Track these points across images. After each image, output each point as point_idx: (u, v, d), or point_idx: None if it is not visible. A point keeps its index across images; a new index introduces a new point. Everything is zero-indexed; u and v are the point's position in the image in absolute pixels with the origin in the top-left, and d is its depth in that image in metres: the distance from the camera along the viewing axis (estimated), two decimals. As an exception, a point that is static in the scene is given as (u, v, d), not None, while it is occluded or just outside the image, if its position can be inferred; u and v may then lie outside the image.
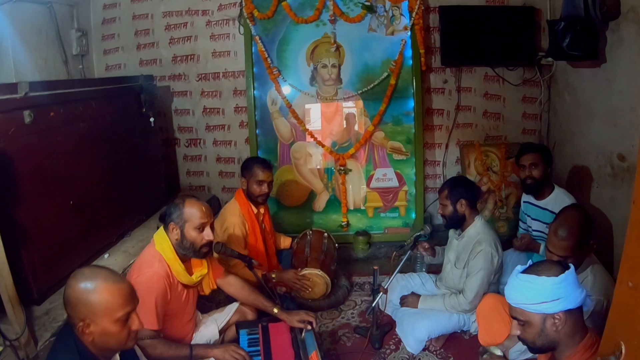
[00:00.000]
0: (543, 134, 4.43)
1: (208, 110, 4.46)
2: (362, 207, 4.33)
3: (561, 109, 4.19)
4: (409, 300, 2.97)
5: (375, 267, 2.77)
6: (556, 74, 4.19)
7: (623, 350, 0.85)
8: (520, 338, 1.67)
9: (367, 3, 4.02)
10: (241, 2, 4.11)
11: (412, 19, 4.00)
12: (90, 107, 3.06)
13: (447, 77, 4.36)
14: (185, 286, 2.33)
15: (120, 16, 4.35)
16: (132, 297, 1.61)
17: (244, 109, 4.39)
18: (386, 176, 4.27)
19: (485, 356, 2.48)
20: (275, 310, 2.49)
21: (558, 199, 3.03)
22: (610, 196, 3.24)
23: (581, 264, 2.19)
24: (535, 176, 3.09)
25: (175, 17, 4.33)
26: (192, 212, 2.26)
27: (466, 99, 4.41)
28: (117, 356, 1.66)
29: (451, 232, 3.09)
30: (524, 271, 1.66)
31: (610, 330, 0.95)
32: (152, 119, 3.85)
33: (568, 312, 1.57)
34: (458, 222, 2.88)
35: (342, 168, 4.21)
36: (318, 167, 4.28)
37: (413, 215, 4.31)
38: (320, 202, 4.34)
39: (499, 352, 2.46)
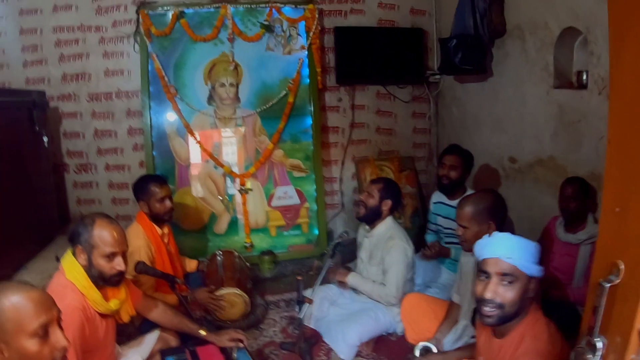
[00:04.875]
0: (433, 146, 5.19)
1: (100, 132, 4.58)
2: (265, 227, 4.72)
3: (449, 122, 4.97)
4: (338, 272, 3.35)
5: (299, 278, 3.00)
6: (443, 90, 4.99)
7: (621, 267, 1.05)
8: (494, 301, 1.80)
9: (265, 22, 4.49)
10: (137, 18, 4.34)
11: (310, 38, 4.58)
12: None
13: (341, 95, 4.97)
14: (102, 316, 2.23)
15: (7, 31, 4.38)
16: (47, 305, 1.51)
17: (138, 130, 4.58)
18: (287, 194, 4.73)
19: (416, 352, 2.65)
20: (203, 332, 2.55)
21: None
22: (505, 196, 4.09)
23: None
24: (452, 177, 3.66)
25: (67, 33, 4.43)
26: (102, 237, 2.17)
27: (360, 116, 5.06)
28: None
29: (361, 232, 3.52)
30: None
31: (601, 256, 1.15)
32: (45, 139, 3.86)
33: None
34: (372, 217, 3.32)
35: (242, 188, 4.60)
36: (217, 188, 4.62)
37: (316, 232, 4.77)
38: (222, 224, 4.65)
39: (422, 347, 2.66)
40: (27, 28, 4.44)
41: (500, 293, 1.80)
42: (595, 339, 1.08)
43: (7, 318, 1.41)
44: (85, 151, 4.67)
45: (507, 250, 1.82)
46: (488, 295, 1.81)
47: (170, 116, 4.54)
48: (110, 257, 2.18)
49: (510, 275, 1.80)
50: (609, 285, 1.07)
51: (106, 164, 4.72)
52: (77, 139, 4.64)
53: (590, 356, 1.08)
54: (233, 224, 4.72)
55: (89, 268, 2.17)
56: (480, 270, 1.89)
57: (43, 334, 1.46)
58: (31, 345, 1.43)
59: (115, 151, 4.72)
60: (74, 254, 2.20)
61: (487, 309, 1.83)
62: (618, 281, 1.07)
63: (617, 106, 1.12)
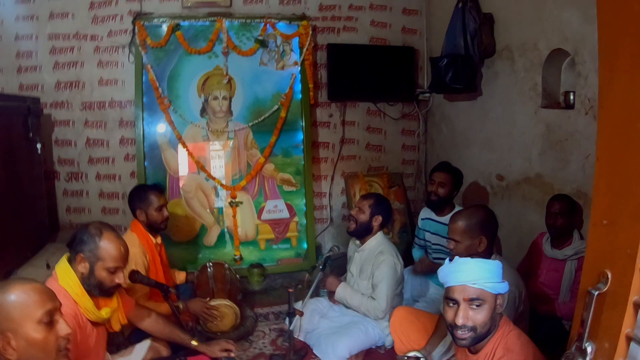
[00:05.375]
0: (421, 163, 5.29)
1: (92, 141, 4.60)
2: (254, 240, 4.76)
3: (438, 139, 5.06)
4: (329, 281, 3.39)
5: (290, 290, 3.01)
6: (433, 108, 5.10)
7: (609, 276, 1.11)
8: (466, 326, 1.85)
9: (260, 37, 4.59)
10: (133, 29, 4.41)
11: (303, 54, 4.67)
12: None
13: (332, 111, 5.07)
14: (94, 324, 2.22)
15: (2, 36, 4.40)
16: (50, 295, 1.60)
17: (130, 141, 4.62)
18: (277, 208, 4.79)
19: None
20: (194, 343, 2.57)
21: None
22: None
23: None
24: (440, 194, 3.73)
25: (62, 41, 4.47)
26: (109, 251, 2.19)
27: (350, 132, 5.15)
28: None
29: (351, 247, 3.57)
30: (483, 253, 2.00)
31: (590, 266, 1.20)
32: (39, 145, 3.88)
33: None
34: (363, 232, 3.37)
35: (233, 200, 4.65)
36: (208, 200, 4.67)
37: (305, 246, 4.82)
38: (212, 237, 4.68)
39: (413, 355, 2.76)
40: (23, 34, 4.47)
41: (471, 317, 1.85)
42: (585, 344, 1.13)
43: (14, 307, 1.50)
44: (76, 159, 4.69)
45: (471, 276, 1.86)
46: (459, 321, 1.85)
47: (163, 127, 4.59)
48: (114, 271, 2.20)
49: (478, 299, 1.85)
50: (597, 293, 1.13)
51: (97, 173, 4.73)
52: (68, 147, 4.66)
53: (579, 361, 1.14)
54: (222, 236, 4.76)
55: (88, 277, 2.17)
56: (448, 297, 1.93)
57: (48, 321, 1.55)
58: (38, 332, 1.51)
59: (107, 160, 4.74)
60: (70, 260, 2.20)
61: (460, 333, 1.88)
62: (606, 289, 1.12)
63: (605, 126, 1.18)
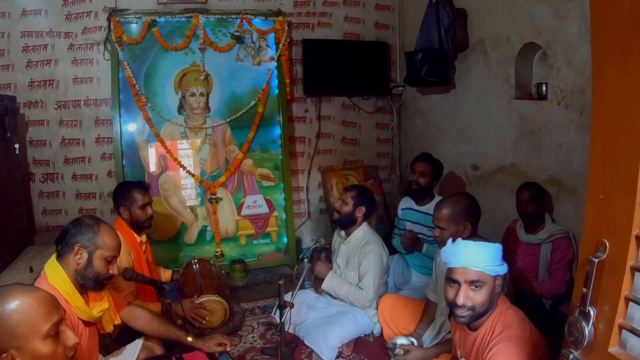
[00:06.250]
0: (395, 156, 5.44)
1: (67, 141, 4.56)
2: (235, 236, 4.81)
3: (412, 132, 5.20)
4: (318, 267, 3.45)
5: (280, 282, 2.94)
6: (406, 102, 5.25)
7: (607, 244, 1.20)
8: (465, 306, 1.97)
9: (236, 33, 4.64)
10: (109, 25, 4.39)
11: (279, 50, 4.73)
12: None
13: (308, 106, 5.18)
14: (85, 324, 2.20)
15: None
16: (55, 305, 1.53)
17: (106, 139, 4.61)
18: (256, 203, 4.84)
19: (397, 351, 2.81)
20: (190, 339, 2.56)
21: None
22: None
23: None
24: (421, 184, 3.83)
25: (35, 38, 4.42)
26: (108, 240, 2.23)
27: (325, 127, 5.27)
28: None
29: (336, 239, 3.66)
30: (467, 239, 2.05)
31: (588, 236, 1.29)
32: (17, 145, 3.83)
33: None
34: (347, 223, 3.46)
35: (213, 197, 4.67)
36: (188, 197, 4.68)
37: (285, 240, 4.89)
38: (192, 234, 4.70)
39: (403, 341, 2.88)
40: (-7, 32, 4.35)
41: (471, 297, 1.97)
42: (588, 308, 1.25)
43: (19, 322, 1.41)
44: (52, 160, 4.64)
45: (473, 259, 1.97)
46: (460, 301, 1.97)
47: (140, 125, 4.57)
48: (110, 260, 2.23)
49: (478, 281, 1.96)
50: (597, 260, 1.24)
51: (73, 174, 4.70)
52: (43, 147, 4.61)
53: (583, 324, 1.26)
54: (203, 233, 4.78)
55: (85, 268, 2.16)
56: (449, 278, 2.04)
57: (55, 334, 1.48)
58: (45, 346, 1.44)
59: (83, 160, 4.71)
60: (59, 258, 2.19)
61: (459, 311, 2.00)
62: (605, 257, 1.24)
63: (598, 112, 1.30)
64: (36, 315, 1.44)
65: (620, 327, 1.21)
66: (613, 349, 1.22)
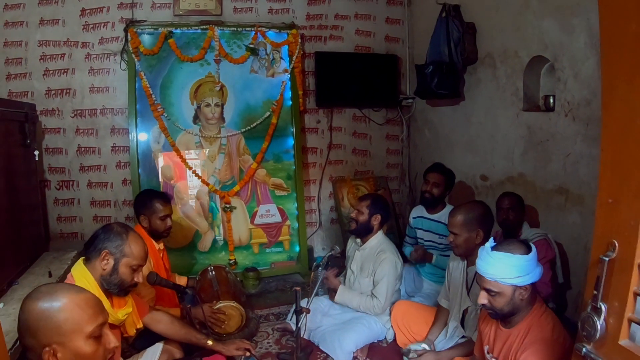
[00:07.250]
0: (405, 166, 5.56)
1: (83, 149, 4.67)
2: (248, 244, 4.90)
3: (421, 143, 5.33)
4: (330, 279, 3.56)
5: (297, 289, 3.03)
6: (415, 114, 5.38)
7: (617, 245, 1.30)
8: (486, 306, 2.13)
9: (250, 45, 4.78)
10: (126, 36, 4.52)
11: (292, 62, 4.87)
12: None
13: (320, 117, 5.31)
14: (109, 326, 2.24)
15: None
16: (101, 308, 1.59)
17: (121, 148, 4.72)
18: (269, 212, 4.95)
19: (411, 355, 2.95)
20: (210, 342, 2.61)
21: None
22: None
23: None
24: (434, 193, 3.97)
25: (52, 47, 4.53)
26: (136, 249, 2.29)
27: (337, 138, 5.40)
28: None
29: (351, 245, 3.75)
30: (495, 248, 2.10)
31: (599, 237, 1.38)
32: (36, 152, 3.91)
33: (531, 283, 2.08)
34: (364, 232, 3.56)
35: (227, 206, 4.78)
36: (203, 206, 4.78)
37: (297, 249, 4.99)
38: (206, 242, 4.80)
39: (421, 347, 3.02)
40: (12, 40, 4.50)
41: (489, 300, 2.12)
42: (599, 304, 1.36)
43: (66, 320, 1.46)
44: (67, 167, 4.74)
45: (490, 270, 2.08)
46: (481, 302, 2.15)
47: (156, 134, 4.69)
48: (136, 269, 2.30)
49: (492, 290, 2.10)
50: (608, 259, 1.35)
51: (88, 181, 4.80)
52: (59, 155, 4.71)
53: (595, 319, 1.36)
54: (216, 241, 4.88)
55: (110, 274, 2.23)
56: (477, 279, 2.22)
57: (98, 335, 1.54)
58: (87, 346, 1.49)
59: (98, 168, 4.81)
60: (86, 262, 2.25)
61: (486, 309, 2.20)
62: (614, 256, 1.34)
63: (608, 123, 1.41)
64: (83, 315, 1.50)
65: (630, 321, 1.31)
66: (623, 341, 1.32)
